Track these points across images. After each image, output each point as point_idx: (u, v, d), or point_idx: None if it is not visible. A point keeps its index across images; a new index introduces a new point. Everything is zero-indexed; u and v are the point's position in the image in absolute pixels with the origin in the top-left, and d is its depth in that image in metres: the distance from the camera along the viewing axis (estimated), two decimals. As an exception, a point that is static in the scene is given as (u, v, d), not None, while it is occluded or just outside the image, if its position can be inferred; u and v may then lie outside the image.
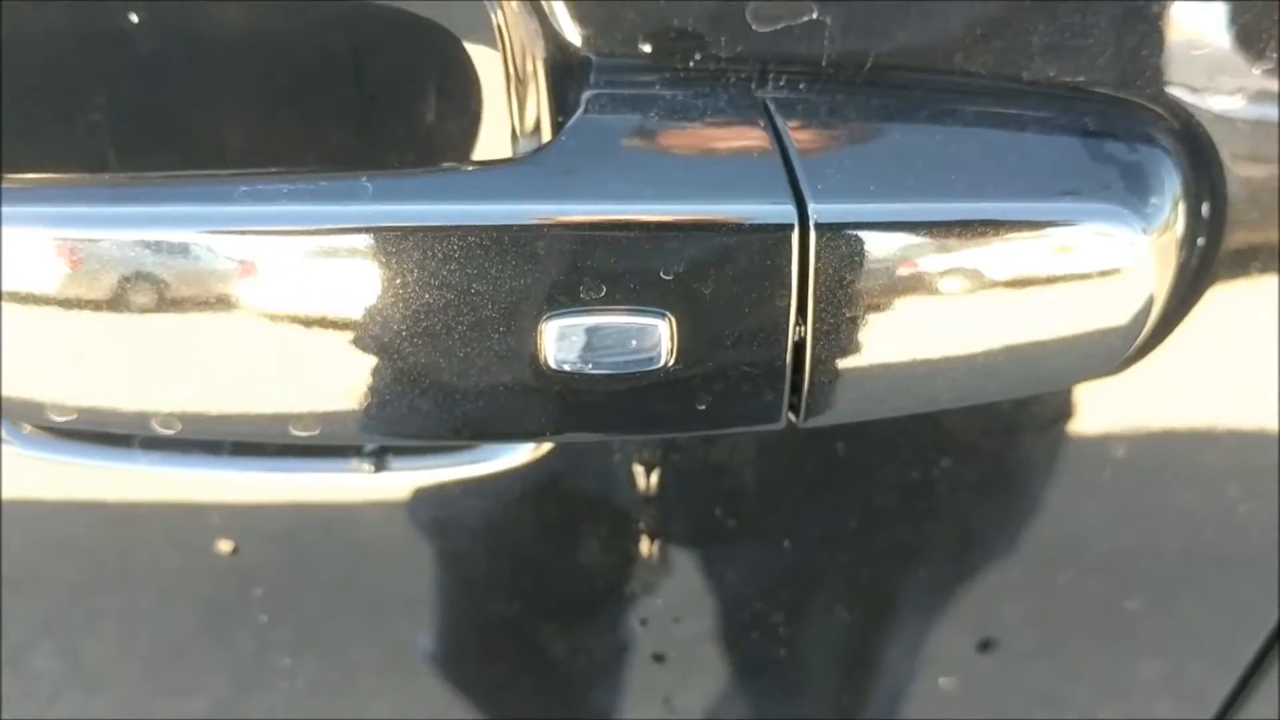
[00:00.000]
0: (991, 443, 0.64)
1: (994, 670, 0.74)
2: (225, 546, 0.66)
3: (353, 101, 0.55)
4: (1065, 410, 0.62)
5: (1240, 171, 0.52)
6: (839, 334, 0.47)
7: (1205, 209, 0.52)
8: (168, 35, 0.53)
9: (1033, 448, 0.64)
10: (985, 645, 0.73)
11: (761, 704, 0.78)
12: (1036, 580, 0.70)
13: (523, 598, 0.71)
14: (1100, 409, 0.62)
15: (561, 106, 0.50)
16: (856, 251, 0.45)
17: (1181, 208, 0.50)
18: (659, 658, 0.73)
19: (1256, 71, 0.50)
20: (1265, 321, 0.57)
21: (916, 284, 0.46)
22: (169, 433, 0.49)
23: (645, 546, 0.66)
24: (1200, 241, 0.53)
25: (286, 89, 0.55)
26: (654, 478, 0.63)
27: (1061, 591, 0.70)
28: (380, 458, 0.61)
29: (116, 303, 0.44)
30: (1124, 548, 0.69)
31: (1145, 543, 0.69)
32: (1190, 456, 0.64)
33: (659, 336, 0.46)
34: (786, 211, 0.45)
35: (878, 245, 0.46)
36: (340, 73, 0.54)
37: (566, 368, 0.46)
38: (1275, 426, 0.62)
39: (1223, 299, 0.56)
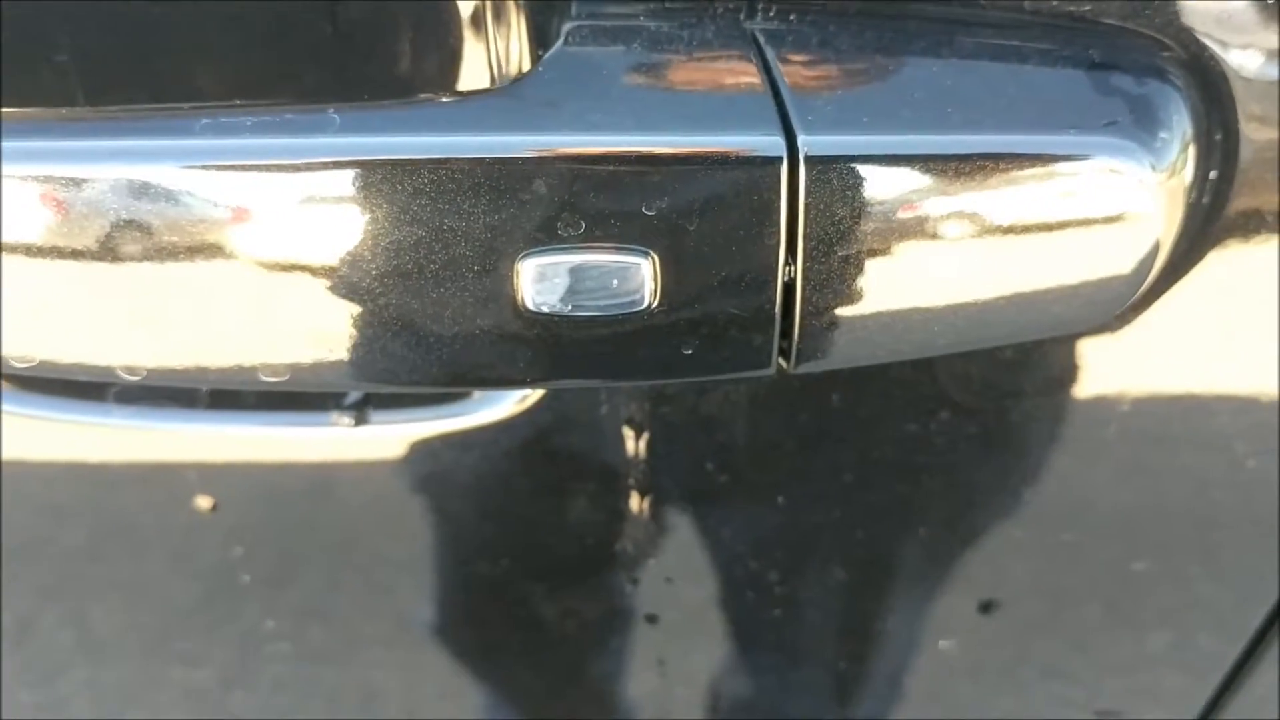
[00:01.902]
0: (989, 395, 0.62)
1: (994, 632, 0.73)
2: (204, 503, 0.65)
3: (326, 40, 0.53)
4: (1068, 361, 0.60)
5: (1255, 108, 0.50)
6: (831, 274, 0.45)
7: (1217, 147, 0.50)
8: (136, -28, 0.51)
9: (1033, 400, 0.62)
10: (986, 607, 0.71)
11: (757, 666, 0.76)
12: (1037, 539, 0.68)
13: (510, 556, 0.69)
14: (1105, 360, 0.60)
15: (542, 40, 0.48)
16: (849, 186, 0.43)
17: (1192, 145, 0.48)
18: (652, 619, 0.72)
19: (1272, 1, 0.48)
20: (1276, 272, 0.55)
21: (911, 221, 0.44)
22: (134, 380, 0.47)
23: (635, 503, 0.65)
24: (1211, 181, 0.51)
25: (257, 28, 0.53)
26: (643, 431, 0.61)
27: (1063, 552, 0.68)
28: (361, 411, 0.59)
29: (71, 241, 0.42)
30: (1125, 506, 0.67)
31: (1148, 501, 0.67)
32: (1196, 412, 0.62)
33: (642, 276, 0.44)
34: (775, 143, 0.42)
35: (871, 180, 0.43)
36: (313, 10, 0.52)
37: (545, 309, 0.44)
38: (1283, 383, 0.60)
39: (1234, 245, 0.54)
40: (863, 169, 0.43)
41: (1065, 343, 0.59)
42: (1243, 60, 0.49)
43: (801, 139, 0.42)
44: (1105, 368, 0.60)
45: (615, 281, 0.44)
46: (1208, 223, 0.53)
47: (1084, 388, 0.60)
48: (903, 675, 0.76)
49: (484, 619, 0.74)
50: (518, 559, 0.69)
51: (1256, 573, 0.69)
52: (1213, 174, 0.51)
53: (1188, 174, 0.49)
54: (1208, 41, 0.49)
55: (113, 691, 0.78)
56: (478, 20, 0.49)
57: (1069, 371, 0.60)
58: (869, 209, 0.44)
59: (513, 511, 0.67)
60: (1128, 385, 0.60)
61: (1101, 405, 0.61)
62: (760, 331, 0.46)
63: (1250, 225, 0.53)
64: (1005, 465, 0.65)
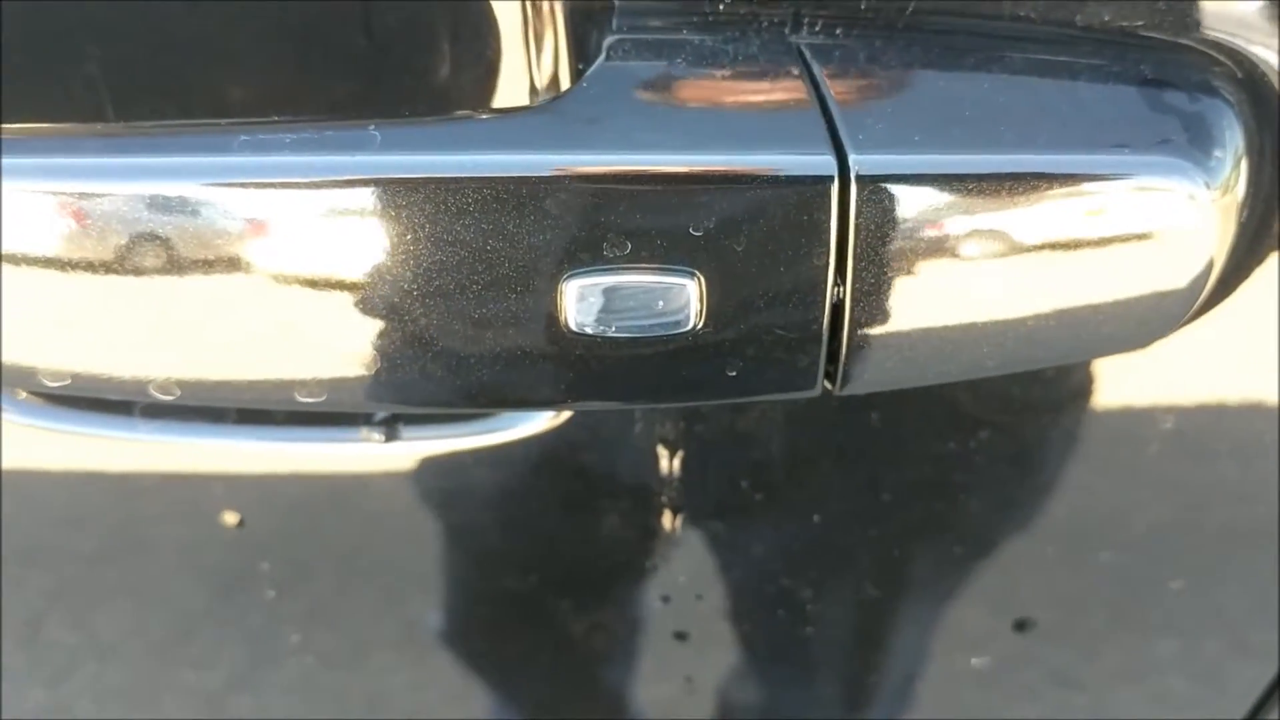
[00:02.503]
0: (1030, 412, 0.61)
1: (1025, 651, 0.72)
2: (231, 519, 0.64)
3: (362, 52, 0.52)
4: (1113, 378, 0.59)
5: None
6: (880, 295, 0.44)
7: (1269, 163, 0.49)
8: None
9: (1075, 416, 0.61)
10: (1021, 625, 0.70)
11: (785, 684, 0.75)
12: (1077, 559, 0.67)
13: (539, 572, 0.68)
14: (1149, 377, 0.59)
15: (582, 54, 0.48)
16: (900, 206, 0.42)
17: (1244, 162, 0.47)
18: (681, 636, 0.71)
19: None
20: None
21: (963, 241, 0.43)
22: (167, 399, 0.46)
23: (667, 520, 0.64)
24: (1263, 198, 0.50)
25: (292, 39, 0.52)
26: (677, 448, 0.60)
27: (1104, 570, 0.67)
28: (391, 427, 0.58)
29: (108, 260, 0.42)
30: (1171, 523, 0.66)
31: (1194, 519, 0.66)
32: (1242, 429, 0.61)
33: (687, 297, 0.43)
34: (825, 163, 0.42)
35: (922, 200, 0.43)
36: (349, 21, 0.51)
37: (588, 330, 0.43)
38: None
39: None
40: (915, 189, 0.42)
41: (1109, 359, 0.58)
42: (1295, 74, 0.48)
43: (853, 158, 0.42)
44: (1150, 385, 0.59)
45: (660, 302, 0.43)
46: (1258, 239, 0.52)
47: (1129, 405, 0.60)
48: (936, 693, 0.75)
49: (516, 634, 0.73)
50: (548, 574, 0.69)
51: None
52: (1264, 190, 0.50)
53: (1240, 191, 0.48)
54: (1259, 55, 0.48)
55: (129, 696, 0.78)
56: (517, 33, 0.49)
57: (1113, 388, 0.59)
58: (920, 229, 0.43)
59: (543, 527, 0.66)
60: (1173, 402, 0.60)
61: (1147, 422, 0.60)
62: (806, 353, 0.45)
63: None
64: (1044, 482, 0.65)
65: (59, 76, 0.53)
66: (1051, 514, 0.65)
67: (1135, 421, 0.60)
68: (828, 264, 0.43)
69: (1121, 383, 0.59)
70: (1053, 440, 0.62)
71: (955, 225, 0.43)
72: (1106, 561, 0.67)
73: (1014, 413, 0.60)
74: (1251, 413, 0.60)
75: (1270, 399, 0.60)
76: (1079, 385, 0.59)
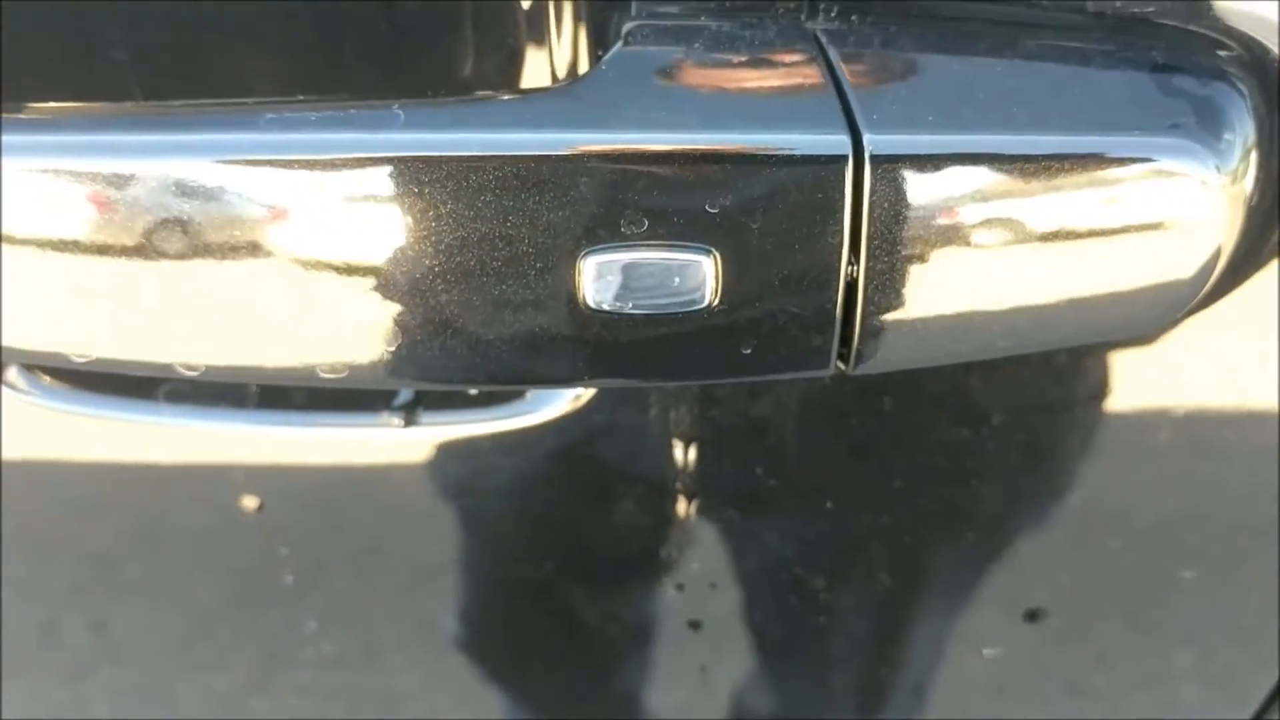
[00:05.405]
0: (1041, 402, 0.61)
1: (1038, 641, 0.72)
2: (250, 503, 0.65)
3: (384, 38, 0.53)
4: (1122, 366, 0.60)
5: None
6: (893, 274, 0.45)
7: (1278, 150, 0.50)
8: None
9: (1085, 405, 0.61)
10: (1032, 615, 0.70)
11: (797, 674, 0.76)
12: (1085, 548, 0.67)
13: (554, 559, 0.69)
14: (1159, 366, 0.59)
15: (601, 41, 0.48)
16: (913, 185, 0.43)
17: (1255, 147, 0.48)
18: (695, 625, 0.71)
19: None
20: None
21: (974, 221, 0.44)
22: (192, 375, 0.47)
23: (682, 508, 0.64)
24: (1274, 185, 0.50)
25: (315, 26, 0.53)
26: (691, 435, 0.61)
27: (1112, 559, 0.68)
28: (410, 411, 0.59)
29: (134, 237, 0.42)
30: (1177, 514, 0.66)
31: (1200, 509, 0.66)
32: (1249, 419, 0.62)
33: (703, 275, 0.44)
34: (840, 142, 0.42)
35: (935, 179, 0.43)
36: (370, 8, 0.52)
37: (605, 308, 0.44)
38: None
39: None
40: (927, 168, 0.43)
41: (1119, 346, 0.59)
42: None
43: (867, 138, 0.42)
44: (1159, 373, 0.59)
45: (676, 279, 0.44)
46: (1266, 227, 0.52)
47: (1138, 393, 0.60)
48: (949, 683, 0.76)
49: (528, 621, 0.74)
50: (563, 561, 0.69)
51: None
52: (1274, 180, 0.50)
53: (1250, 178, 0.48)
54: (1268, 41, 0.49)
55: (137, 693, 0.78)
56: (537, 19, 0.50)
57: (1122, 376, 0.60)
58: (932, 209, 0.43)
59: (559, 513, 0.67)
60: (1182, 391, 0.60)
61: (1156, 411, 0.60)
62: (820, 331, 0.46)
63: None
64: (1054, 471, 0.65)
65: (88, 62, 0.54)
66: (1064, 503, 0.65)
67: (1147, 409, 0.61)
68: (841, 243, 0.44)
69: (1134, 370, 0.60)
70: (1066, 427, 0.63)
71: (968, 205, 0.44)
72: (1115, 549, 0.67)
73: (1024, 402, 0.61)
74: (1262, 403, 0.60)
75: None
76: (1091, 372, 0.60)
